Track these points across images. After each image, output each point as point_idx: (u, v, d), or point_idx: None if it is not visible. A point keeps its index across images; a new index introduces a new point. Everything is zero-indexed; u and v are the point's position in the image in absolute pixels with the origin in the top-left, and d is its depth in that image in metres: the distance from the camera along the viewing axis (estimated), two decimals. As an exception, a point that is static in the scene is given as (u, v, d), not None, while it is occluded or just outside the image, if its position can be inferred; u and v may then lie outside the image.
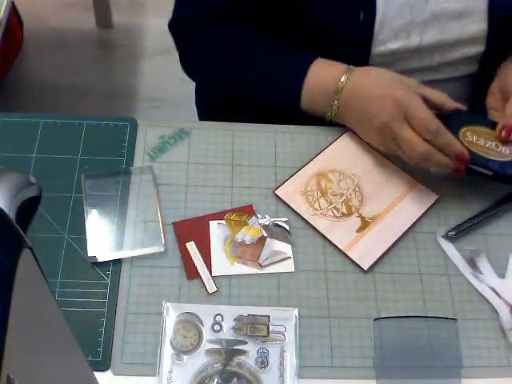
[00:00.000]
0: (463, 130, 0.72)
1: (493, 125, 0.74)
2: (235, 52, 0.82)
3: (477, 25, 0.77)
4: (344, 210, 0.72)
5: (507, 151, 0.72)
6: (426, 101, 0.71)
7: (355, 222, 0.72)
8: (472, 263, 0.70)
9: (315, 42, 0.78)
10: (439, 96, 0.74)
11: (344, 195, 0.73)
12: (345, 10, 0.75)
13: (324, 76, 0.76)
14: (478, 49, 0.80)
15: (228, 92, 0.88)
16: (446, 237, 0.71)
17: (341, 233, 0.70)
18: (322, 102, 0.76)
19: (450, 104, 0.74)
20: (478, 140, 0.72)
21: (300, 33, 0.79)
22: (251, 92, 0.83)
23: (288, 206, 0.72)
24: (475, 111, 0.78)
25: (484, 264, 0.69)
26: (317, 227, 0.71)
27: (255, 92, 0.83)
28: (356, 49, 0.78)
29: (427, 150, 0.68)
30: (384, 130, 0.71)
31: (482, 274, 0.69)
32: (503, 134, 0.72)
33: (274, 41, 0.80)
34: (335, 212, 0.72)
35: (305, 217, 0.71)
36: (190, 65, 0.88)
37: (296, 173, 0.75)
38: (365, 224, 0.71)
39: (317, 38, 0.78)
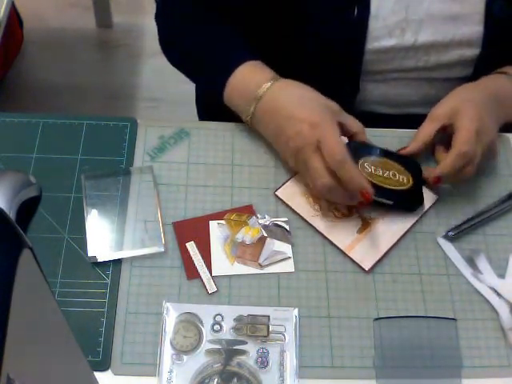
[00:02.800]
0: (361, 161, 0.72)
1: (385, 154, 0.74)
2: (197, 29, 0.83)
3: (473, 27, 0.77)
4: (344, 210, 0.72)
5: (405, 179, 0.73)
6: (343, 128, 0.71)
7: (356, 222, 0.72)
8: (472, 263, 0.70)
9: (308, 37, 0.78)
10: (355, 125, 0.73)
11: None
12: (339, 5, 0.75)
13: (248, 79, 0.75)
14: (473, 51, 0.79)
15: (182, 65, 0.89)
16: (446, 237, 0.71)
17: (341, 233, 0.70)
18: (240, 104, 0.75)
19: (362, 136, 0.74)
20: (376, 170, 0.72)
21: (292, 27, 0.79)
22: (193, 71, 0.85)
23: (288, 206, 0.72)
24: None
25: (484, 264, 0.69)
26: (317, 228, 0.71)
27: (195, 72, 0.85)
28: (350, 45, 0.78)
29: (328, 183, 0.67)
30: (297, 154, 0.70)
31: (482, 273, 0.69)
32: (433, 181, 0.72)
33: (232, 32, 0.81)
34: (336, 213, 0.72)
35: (305, 217, 0.71)
36: (165, 40, 0.90)
37: (296, 173, 0.75)
38: (365, 225, 0.71)
39: (310, 32, 0.78)
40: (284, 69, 0.76)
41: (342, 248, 0.69)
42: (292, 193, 0.73)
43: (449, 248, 0.70)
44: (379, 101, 0.86)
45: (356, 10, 0.75)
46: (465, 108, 0.72)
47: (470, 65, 0.81)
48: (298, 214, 0.72)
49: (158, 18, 0.89)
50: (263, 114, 0.73)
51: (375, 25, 0.76)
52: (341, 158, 0.65)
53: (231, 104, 0.77)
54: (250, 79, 0.75)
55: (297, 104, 0.71)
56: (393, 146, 0.78)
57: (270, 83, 0.73)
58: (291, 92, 0.73)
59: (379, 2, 0.75)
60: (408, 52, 0.79)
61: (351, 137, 0.74)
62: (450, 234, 0.71)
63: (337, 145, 0.66)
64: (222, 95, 0.77)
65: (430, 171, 0.73)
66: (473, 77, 0.82)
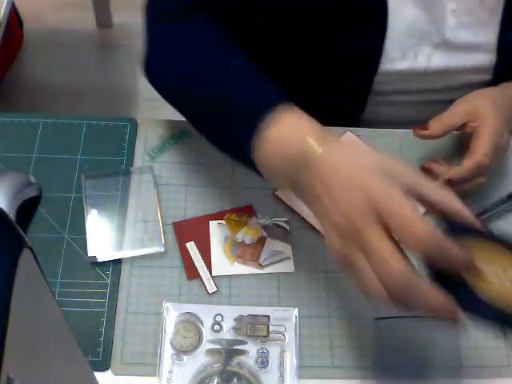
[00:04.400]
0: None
1: (494, 238, 0.50)
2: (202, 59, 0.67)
3: (485, 55, 0.77)
4: None
5: None
6: (422, 201, 0.52)
7: None
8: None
9: (319, 55, 0.77)
10: (440, 194, 0.51)
11: None
12: (355, 24, 0.74)
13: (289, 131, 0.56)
14: (483, 77, 0.79)
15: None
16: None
17: None
18: (281, 166, 0.56)
19: (457, 206, 0.51)
20: (500, 275, 0.47)
21: (304, 46, 0.77)
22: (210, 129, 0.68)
23: (288, 206, 0.72)
24: None
25: None
26: (318, 228, 0.71)
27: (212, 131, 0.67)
28: (362, 66, 0.76)
29: (410, 279, 0.47)
30: (348, 233, 0.50)
31: None
32: (444, 182, 0.69)
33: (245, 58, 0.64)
34: None
35: (306, 218, 0.71)
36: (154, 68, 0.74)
37: None
38: None
39: (322, 53, 0.76)
40: (287, 84, 0.62)
41: None
42: (292, 193, 0.73)
43: None
44: (383, 121, 0.86)
45: (372, 30, 0.74)
46: (487, 112, 0.71)
47: (480, 87, 0.80)
48: (298, 215, 0.72)
49: (151, 71, 0.74)
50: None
51: (390, 45, 0.75)
52: (429, 232, 0.46)
53: (269, 166, 0.58)
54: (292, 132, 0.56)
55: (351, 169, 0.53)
56: (392, 146, 0.78)
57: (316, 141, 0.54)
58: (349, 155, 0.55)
59: (395, 23, 0.74)
60: (419, 75, 0.79)
61: (439, 211, 0.52)
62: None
63: (412, 213, 0.47)
64: (250, 155, 0.58)
65: (442, 170, 0.71)
66: None
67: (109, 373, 0.61)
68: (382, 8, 0.73)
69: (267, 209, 0.72)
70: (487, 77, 0.79)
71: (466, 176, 0.69)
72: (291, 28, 0.76)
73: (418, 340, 0.63)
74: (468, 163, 0.69)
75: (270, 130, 0.56)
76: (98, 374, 0.57)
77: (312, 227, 0.71)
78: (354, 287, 0.67)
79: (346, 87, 0.79)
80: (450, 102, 0.80)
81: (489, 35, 0.76)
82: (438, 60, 0.77)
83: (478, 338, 0.65)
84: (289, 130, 0.55)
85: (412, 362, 0.62)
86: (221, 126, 0.63)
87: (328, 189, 0.52)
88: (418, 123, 0.74)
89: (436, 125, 0.71)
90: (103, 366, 0.61)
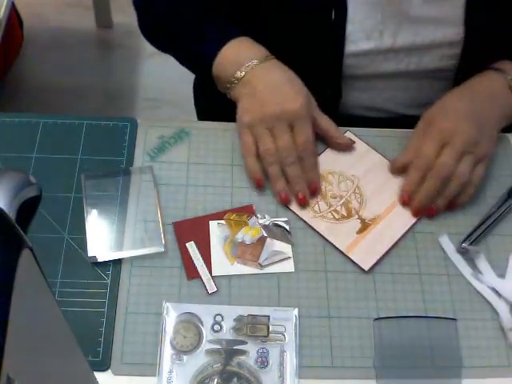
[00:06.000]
0: None
1: None
2: (184, 10, 0.83)
3: (452, 29, 0.76)
4: (344, 212, 0.72)
5: None
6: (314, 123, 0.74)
7: (355, 223, 0.72)
8: (472, 263, 0.70)
9: (286, 41, 0.78)
10: (327, 122, 0.75)
11: (343, 197, 0.73)
12: (316, 9, 0.75)
13: (240, 51, 0.77)
14: (455, 51, 0.79)
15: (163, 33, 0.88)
16: (461, 252, 0.70)
17: (341, 235, 0.70)
18: (227, 75, 0.76)
19: (335, 132, 0.75)
20: None
21: (273, 31, 0.79)
22: (181, 48, 0.85)
23: (288, 207, 0.72)
24: None
25: (484, 264, 0.69)
26: (317, 229, 0.71)
27: (183, 49, 0.84)
28: (329, 48, 0.78)
29: (294, 157, 0.71)
30: (270, 120, 0.71)
31: (482, 274, 0.69)
32: (403, 199, 0.72)
33: (220, 15, 0.81)
34: (335, 214, 0.72)
35: (305, 219, 0.71)
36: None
37: None
38: (364, 226, 0.71)
39: (290, 36, 0.78)
40: None
41: (341, 249, 0.69)
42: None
43: (449, 248, 0.70)
44: (367, 107, 0.86)
45: (333, 14, 0.75)
46: (439, 118, 0.73)
47: (452, 68, 0.81)
48: (297, 215, 0.72)
49: (138, 2, 0.88)
50: (243, 88, 0.75)
51: (352, 28, 0.76)
52: (312, 146, 0.72)
53: (220, 72, 0.77)
54: (242, 52, 0.77)
55: (286, 81, 0.74)
56: (392, 146, 0.78)
57: (257, 61, 0.75)
58: (274, 75, 0.75)
59: (356, 5, 0.74)
60: (387, 54, 0.79)
61: (324, 134, 0.76)
62: (464, 245, 0.70)
63: (312, 135, 0.72)
64: (211, 64, 0.77)
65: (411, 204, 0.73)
66: (457, 77, 0.81)
67: (109, 373, 0.61)
68: None
69: (267, 209, 0.72)
70: (458, 51, 0.78)
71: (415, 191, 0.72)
72: (256, 17, 0.79)
73: (418, 340, 0.63)
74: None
75: (227, 50, 0.77)
76: (97, 374, 0.57)
77: (312, 228, 0.71)
78: (353, 287, 0.68)
79: (317, 72, 0.80)
80: (434, 80, 0.82)
81: (455, 9, 0.75)
82: (404, 37, 0.77)
83: (478, 338, 0.65)
84: (237, 53, 0.77)
85: (412, 362, 0.62)
86: (193, 50, 0.82)
87: (256, 93, 0.74)
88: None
89: (404, 153, 0.75)
90: (103, 365, 0.61)
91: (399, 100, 0.85)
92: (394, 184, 0.75)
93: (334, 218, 0.72)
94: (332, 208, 0.72)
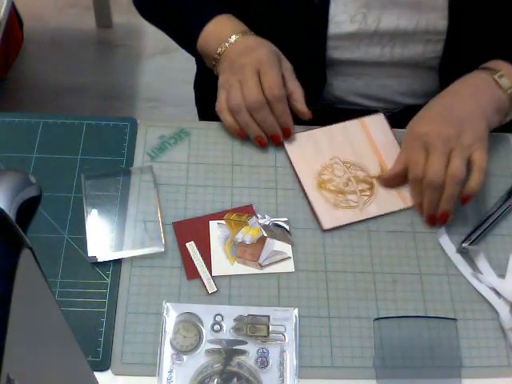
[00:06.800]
0: None
1: None
2: None
3: (437, 14, 0.76)
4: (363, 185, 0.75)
5: None
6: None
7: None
8: (472, 263, 0.70)
9: (272, 22, 0.80)
10: (295, 85, 0.76)
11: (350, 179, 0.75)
12: None
13: (222, 27, 0.79)
14: (438, 38, 0.78)
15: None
16: (461, 252, 0.70)
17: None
18: (212, 51, 0.78)
19: (298, 96, 0.76)
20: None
21: (257, 13, 0.80)
22: (168, 22, 0.87)
23: (288, 205, 0.72)
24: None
25: (484, 264, 0.69)
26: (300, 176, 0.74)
27: (170, 24, 0.87)
28: (312, 31, 0.78)
29: (261, 101, 0.72)
30: (237, 69, 0.74)
31: (481, 273, 0.69)
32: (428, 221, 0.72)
33: None
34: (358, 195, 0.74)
35: (296, 169, 0.75)
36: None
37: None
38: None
39: (274, 18, 0.79)
40: None
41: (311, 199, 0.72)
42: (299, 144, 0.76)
43: (449, 248, 0.70)
44: (362, 94, 0.86)
45: None
46: (413, 124, 0.73)
47: (437, 57, 0.80)
48: (297, 214, 0.72)
49: None
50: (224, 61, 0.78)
51: (336, 10, 0.76)
52: (279, 90, 0.73)
53: (204, 49, 0.80)
54: (223, 28, 0.79)
55: (258, 43, 0.77)
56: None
57: (236, 36, 0.77)
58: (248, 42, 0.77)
59: None
60: (372, 39, 0.79)
61: (288, 96, 0.76)
62: (464, 245, 0.70)
63: (279, 80, 0.73)
64: (196, 42, 0.80)
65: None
66: (441, 67, 0.81)
67: (109, 373, 0.61)
68: None
69: (267, 209, 0.72)
70: (442, 39, 0.78)
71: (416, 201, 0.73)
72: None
73: (418, 340, 0.63)
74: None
75: (209, 27, 0.79)
76: (97, 374, 0.57)
77: (312, 228, 0.71)
78: (353, 287, 0.68)
79: (301, 55, 0.80)
80: (421, 75, 0.82)
81: None
82: (388, 21, 0.77)
83: (478, 338, 0.65)
84: (221, 27, 0.79)
85: (412, 362, 0.62)
86: (182, 26, 0.84)
87: (232, 61, 0.76)
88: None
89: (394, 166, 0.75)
90: (103, 365, 0.61)
91: (394, 87, 0.85)
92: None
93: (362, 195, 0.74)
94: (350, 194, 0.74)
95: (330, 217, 0.71)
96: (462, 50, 0.79)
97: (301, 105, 0.76)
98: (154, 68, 1.91)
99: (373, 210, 0.72)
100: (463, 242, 0.70)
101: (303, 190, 0.73)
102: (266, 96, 0.73)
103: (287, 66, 0.77)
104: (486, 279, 0.68)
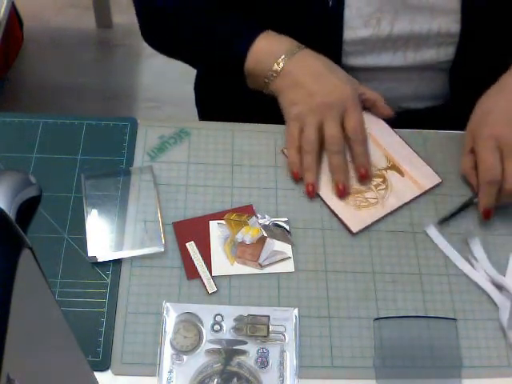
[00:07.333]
0: None
1: None
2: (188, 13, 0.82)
3: (450, 18, 0.77)
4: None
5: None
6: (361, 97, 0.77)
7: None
8: (466, 247, 0.70)
9: (288, 29, 0.79)
10: (373, 94, 0.78)
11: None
12: None
13: (270, 46, 0.77)
14: (451, 41, 0.79)
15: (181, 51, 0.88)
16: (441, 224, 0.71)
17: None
18: (263, 69, 0.77)
19: (381, 103, 0.78)
20: None
21: (273, 21, 0.79)
22: (200, 50, 0.84)
23: (288, 205, 0.72)
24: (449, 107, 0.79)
25: (478, 249, 0.69)
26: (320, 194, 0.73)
27: (203, 51, 0.84)
28: (327, 36, 0.78)
29: (342, 154, 0.72)
30: (320, 110, 0.73)
31: (476, 260, 0.69)
32: (483, 216, 0.71)
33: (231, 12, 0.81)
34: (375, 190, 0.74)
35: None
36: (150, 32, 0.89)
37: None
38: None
39: (289, 24, 0.79)
40: None
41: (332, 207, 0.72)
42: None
43: (439, 240, 0.70)
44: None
45: (331, 1, 0.75)
46: (482, 125, 0.71)
47: (449, 60, 0.81)
48: (297, 214, 0.72)
49: (139, 4, 0.86)
50: (297, 62, 0.76)
51: (350, 15, 0.76)
52: (362, 131, 0.73)
53: (255, 68, 0.77)
54: (273, 44, 0.77)
55: (327, 69, 0.76)
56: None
57: (291, 52, 0.76)
58: (313, 64, 0.76)
59: None
60: (385, 43, 0.79)
61: (372, 105, 0.78)
62: (440, 221, 0.72)
63: (361, 119, 0.74)
64: (243, 62, 0.77)
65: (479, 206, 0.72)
66: (452, 69, 0.81)
67: (109, 373, 0.61)
68: None
69: (267, 209, 0.72)
70: (455, 42, 0.78)
71: (489, 201, 0.71)
72: (254, 6, 0.79)
73: (418, 340, 0.63)
74: (480, 191, 0.71)
75: (258, 45, 0.77)
76: (97, 374, 0.57)
77: (312, 228, 0.71)
78: (353, 287, 0.68)
79: None
80: (433, 72, 0.82)
81: (452, 0, 0.75)
82: (402, 25, 0.78)
83: (478, 338, 0.65)
84: (269, 46, 0.77)
85: (412, 362, 0.62)
86: (218, 51, 0.81)
87: (299, 83, 0.75)
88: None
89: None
90: (103, 365, 0.61)
91: (401, 91, 0.85)
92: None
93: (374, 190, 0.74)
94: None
95: (356, 219, 0.71)
96: (474, 52, 0.79)
97: (387, 110, 0.78)
98: (153, 68, 1.91)
99: (392, 201, 0.73)
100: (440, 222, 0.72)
101: (321, 198, 0.73)
102: (348, 137, 0.73)
103: (356, 82, 0.77)
104: (481, 266, 0.68)
